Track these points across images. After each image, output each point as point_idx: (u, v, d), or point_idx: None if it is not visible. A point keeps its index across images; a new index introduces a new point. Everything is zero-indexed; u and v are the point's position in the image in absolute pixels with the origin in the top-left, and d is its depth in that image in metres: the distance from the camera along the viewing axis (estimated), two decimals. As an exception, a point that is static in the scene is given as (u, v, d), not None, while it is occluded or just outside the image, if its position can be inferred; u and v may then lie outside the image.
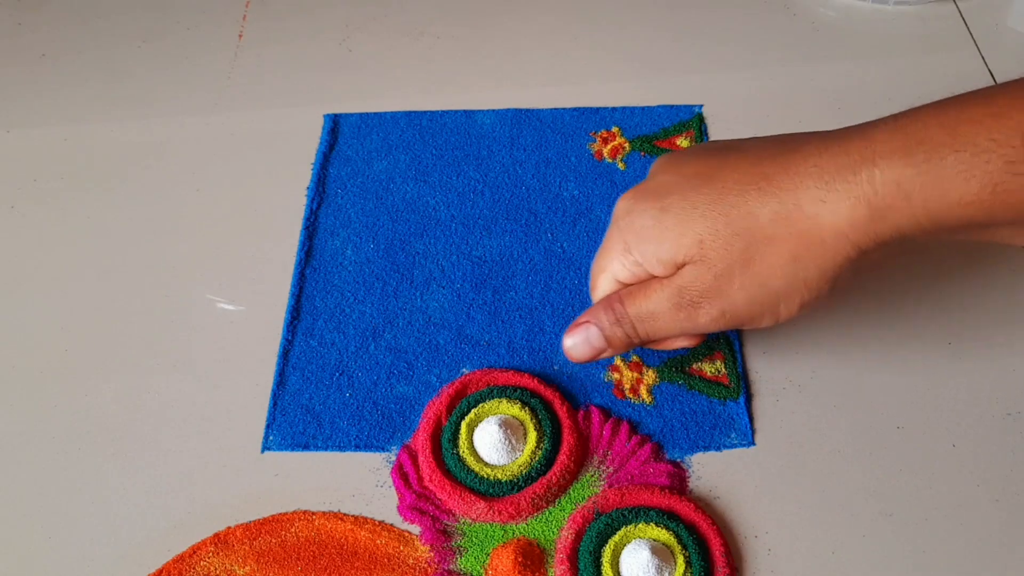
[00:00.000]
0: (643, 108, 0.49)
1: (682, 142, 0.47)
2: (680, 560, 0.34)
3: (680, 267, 0.33)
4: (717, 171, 0.33)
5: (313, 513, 0.36)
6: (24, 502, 0.37)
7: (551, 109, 0.49)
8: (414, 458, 0.37)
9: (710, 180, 0.33)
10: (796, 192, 0.31)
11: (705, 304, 0.33)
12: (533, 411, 0.38)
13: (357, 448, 0.38)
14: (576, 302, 0.42)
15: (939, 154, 0.29)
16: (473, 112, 0.50)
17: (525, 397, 0.38)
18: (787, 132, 0.34)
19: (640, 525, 0.34)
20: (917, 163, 0.29)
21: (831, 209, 0.30)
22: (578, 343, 0.36)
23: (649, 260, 0.34)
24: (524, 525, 0.35)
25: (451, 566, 0.35)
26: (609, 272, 0.36)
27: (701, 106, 0.48)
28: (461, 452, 0.37)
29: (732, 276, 0.32)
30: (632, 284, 0.35)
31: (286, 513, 0.36)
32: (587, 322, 0.36)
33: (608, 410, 0.38)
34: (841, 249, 0.31)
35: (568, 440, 0.37)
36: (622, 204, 0.35)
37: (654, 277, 0.35)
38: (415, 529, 0.36)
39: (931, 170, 0.29)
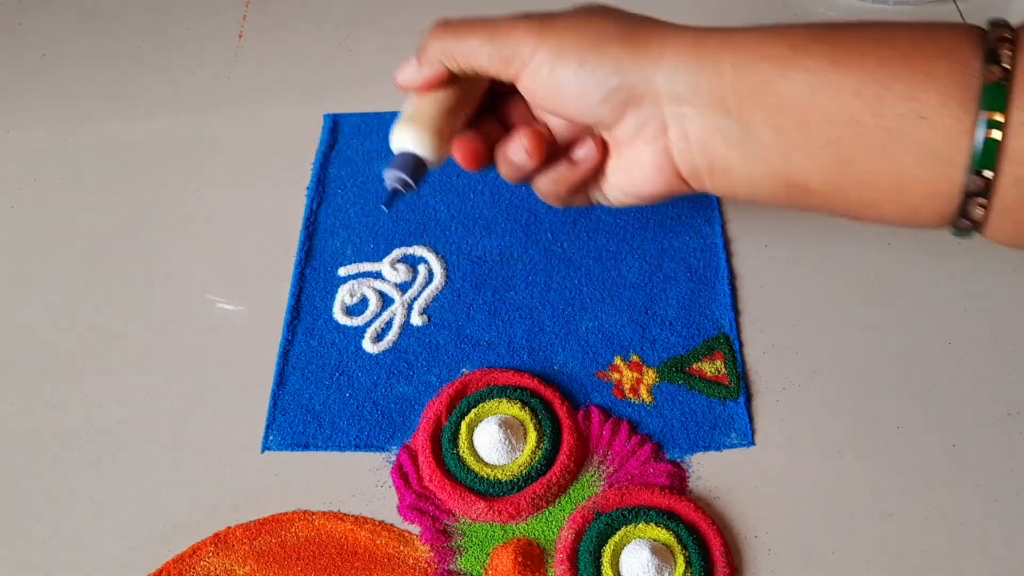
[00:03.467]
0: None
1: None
2: (680, 560, 0.34)
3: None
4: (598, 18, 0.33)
5: (313, 513, 0.36)
6: (24, 502, 0.37)
7: (551, 109, 0.49)
8: (414, 458, 0.37)
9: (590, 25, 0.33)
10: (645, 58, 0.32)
11: (529, 24, 0.32)
12: (533, 411, 0.38)
13: (357, 448, 0.38)
14: (576, 302, 0.42)
15: (754, 34, 0.31)
16: (473, 112, 0.50)
17: (525, 397, 0.38)
18: None
19: (640, 525, 0.34)
20: (735, 33, 0.32)
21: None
22: (401, 71, 0.35)
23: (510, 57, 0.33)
24: (524, 525, 0.36)
25: (451, 566, 0.35)
26: (459, 49, 0.34)
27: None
28: (461, 452, 0.37)
29: (566, 23, 0.32)
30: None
31: (286, 513, 0.36)
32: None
33: (608, 410, 0.38)
34: (642, 49, 0.32)
35: (568, 440, 0.37)
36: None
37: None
38: (415, 529, 0.36)
39: (747, 38, 0.31)
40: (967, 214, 0.28)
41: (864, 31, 0.29)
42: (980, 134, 0.26)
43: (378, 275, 0.44)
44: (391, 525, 0.36)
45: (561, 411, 0.38)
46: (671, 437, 0.38)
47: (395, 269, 0.44)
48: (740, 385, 0.39)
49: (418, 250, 0.44)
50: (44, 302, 0.44)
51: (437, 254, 0.44)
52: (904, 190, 0.29)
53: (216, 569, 0.35)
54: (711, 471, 0.37)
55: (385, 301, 0.43)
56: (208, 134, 0.50)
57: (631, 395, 0.39)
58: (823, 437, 0.37)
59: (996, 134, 0.26)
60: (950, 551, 0.34)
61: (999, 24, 0.28)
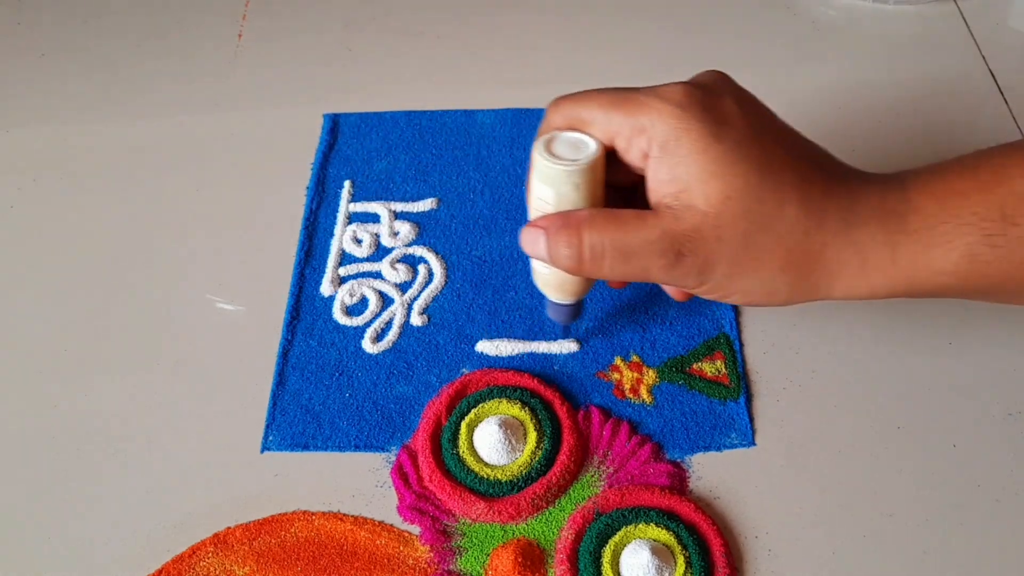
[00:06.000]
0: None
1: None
2: (680, 560, 0.34)
3: (682, 207, 0.31)
4: (778, 159, 0.31)
5: (313, 513, 0.36)
6: (24, 502, 0.37)
7: (551, 109, 0.49)
8: (414, 458, 0.37)
9: (768, 165, 0.31)
10: (823, 231, 0.31)
11: (689, 261, 0.31)
12: (533, 411, 0.38)
13: (357, 448, 0.38)
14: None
15: (928, 223, 0.30)
16: (473, 112, 0.50)
17: (525, 397, 0.38)
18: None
19: (640, 525, 0.34)
20: (909, 231, 0.30)
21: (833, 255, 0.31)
22: (526, 242, 0.33)
23: (664, 160, 0.30)
24: (524, 525, 0.35)
25: (451, 566, 0.34)
26: (584, 110, 0.32)
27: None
28: (461, 452, 0.37)
29: (729, 247, 0.31)
30: (594, 166, 0.32)
31: (286, 513, 0.36)
32: (542, 228, 0.32)
33: (608, 410, 0.38)
34: (815, 287, 0.32)
35: (568, 440, 0.37)
36: (670, 87, 0.31)
37: (627, 207, 0.32)
38: (415, 529, 0.36)
39: (921, 239, 0.30)
40: None
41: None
42: None
43: (378, 275, 0.44)
44: (391, 525, 0.36)
45: (561, 411, 0.38)
46: (671, 437, 0.38)
47: (395, 269, 0.44)
48: (740, 385, 0.39)
49: (418, 250, 0.44)
50: (44, 302, 0.44)
51: (437, 254, 0.44)
52: None
53: (215, 569, 0.35)
54: (711, 471, 0.37)
55: (385, 301, 0.43)
56: (208, 134, 0.50)
57: (631, 395, 0.39)
58: (823, 437, 0.37)
59: None
60: (950, 551, 0.34)
61: None
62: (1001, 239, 0.29)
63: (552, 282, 0.36)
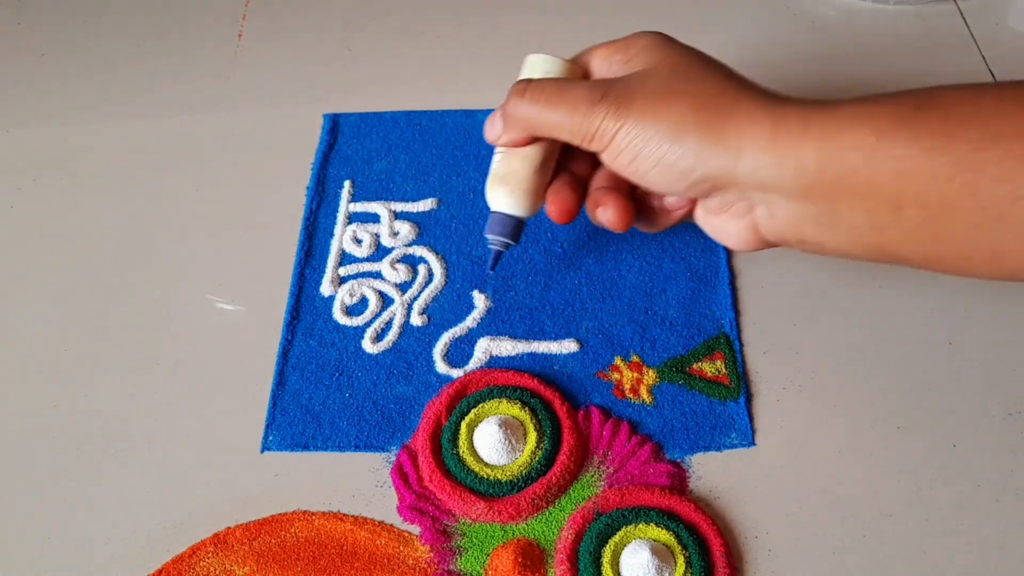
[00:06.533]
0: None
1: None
2: (680, 560, 0.34)
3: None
4: (721, 65, 0.34)
5: (313, 513, 0.36)
6: (24, 502, 0.37)
7: (551, 109, 0.49)
8: (414, 458, 0.37)
9: (709, 61, 0.34)
10: (740, 93, 0.32)
11: (609, 99, 0.33)
12: (533, 411, 0.38)
13: (357, 448, 0.38)
14: (576, 302, 0.42)
15: (842, 109, 0.30)
16: (473, 112, 0.50)
17: (525, 397, 0.38)
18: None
19: (640, 525, 0.34)
20: (823, 109, 0.31)
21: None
22: (487, 126, 0.37)
23: (623, 53, 0.34)
24: (524, 525, 0.35)
25: (451, 566, 0.34)
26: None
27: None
28: (461, 452, 0.37)
29: (648, 87, 0.32)
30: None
31: (286, 513, 0.36)
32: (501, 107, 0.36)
33: (608, 410, 0.38)
34: (723, 142, 0.32)
35: (568, 440, 0.37)
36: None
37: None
38: (415, 529, 0.36)
39: (833, 113, 0.30)
40: None
41: (951, 105, 0.29)
42: None
43: (378, 275, 0.44)
44: (391, 525, 0.36)
45: (561, 411, 0.38)
46: (671, 437, 0.38)
47: (395, 269, 0.44)
48: (740, 385, 0.39)
49: (418, 250, 0.44)
50: (44, 302, 0.44)
51: (437, 254, 0.44)
52: (1003, 259, 0.29)
53: (215, 569, 0.35)
54: (711, 471, 0.37)
55: (385, 301, 0.43)
56: (208, 134, 0.50)
57: (631, 395, 0.39)
58: (823, 437, 0.37)
59: None
60: (950, 551, 0.34)
61: None
62: (911, 121, 0.29)
63: (499, 172, 0.37)
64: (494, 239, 0.38)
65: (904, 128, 0.29)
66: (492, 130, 0.36)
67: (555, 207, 0.36)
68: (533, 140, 0.36)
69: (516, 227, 0.37)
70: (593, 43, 0.36)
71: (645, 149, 0.32)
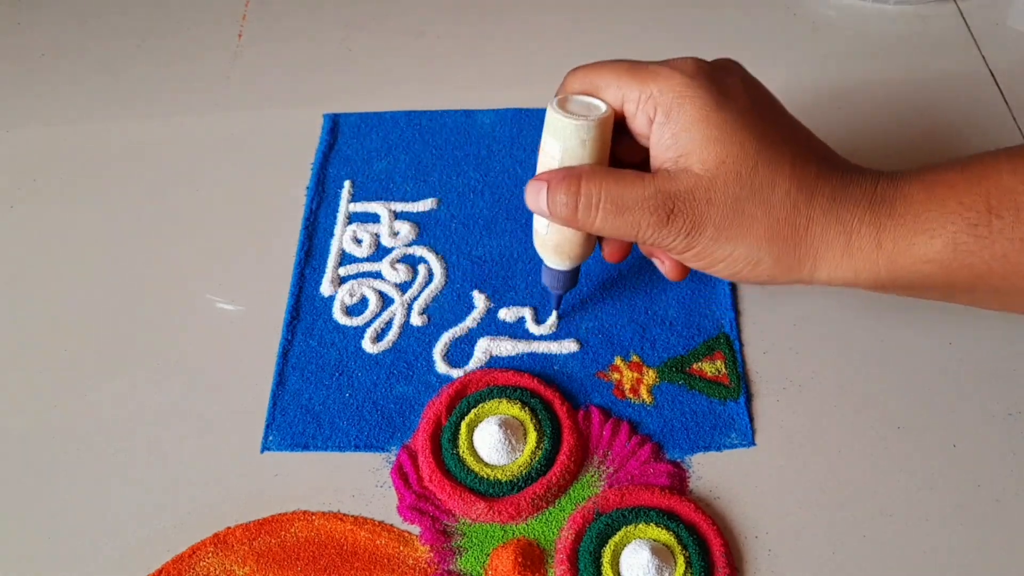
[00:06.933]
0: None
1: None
2: (680, 560, 0.34)
3: (679, 169, 0.32)
4: (777, 136, 0.32)
5: (313, 513, 0.36)
6: (24, 502, 0.37)
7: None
8: (414, 458, 0.37)
9: (766, 138, 0.32)
10: (811, 207, 0.32)
11: (679, 221, 0.32)
12: (533, 411, 0.38)
13: (357, 448, 0.38)
14: (576, 302, 0.42)
15: (914, 210, 0.31)
16: (473, 112, 0.50)
17: (525, 397, 0.38)
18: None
19: (640, 525, 0.34)
20: (895, 215, 0.31)
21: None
22: (529, 195, 0.34)
23: (667, 125, 0.32)
24: (524, 525, 0.35)
25: (451, 566, 0.34)
26: (598, 77, 0.33)
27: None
28: (461, 452, 0.37)
29: (719, 211, 0.32)
30: (594, 125, 0.33)
31: (286, 513, 0.36)
32: (544, 180, 0.34)
33: (608, 410, 0.38)
34: (799, 262, 0.32)
35: (568, 440, 0.37)
36: (681, 59, 0.33)
37: (630, 168, 0.33)
38: (415, 529, 0.36)
39: (906, 223, 0.31)
40: None
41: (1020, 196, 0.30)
42: None
43: (378, 275, 0.44)
44: (391, 525, 0.36)
45: (561, 411, 0.38)
46: (671, 437, 0.38)
47: (395, 269, 0.44)
48: (740, 385, 0.39)
49: (418, 250, 0.44)
50: (44, 302, 0.44)
51: (437, 254, 0.44)
52: None
53: (215, 569, 0.35)
54: (711, 471, 0.37)
55: (385, 301, 0.43)
56: (208, 134, 0.50)
57: (631, 395, 0.39)
58: (823, 437, 0.37)
59: None
60: (950, 551, 0.34)
61: None
62: (985, 229, 0.30)
63: (550, 242, 0.36)
64: (556, 289, 0.39)
65: (978, 239, 0.30)
66: (540, 210, 0.34)
67: (611, 254, 0.38)
68: None
69: (574, 275, 0.38)
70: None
71: (719, 264, 0.33)
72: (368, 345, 0.41)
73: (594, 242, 0.37)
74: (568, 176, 0.33)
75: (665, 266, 0.37)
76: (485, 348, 0.41)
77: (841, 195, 0.32)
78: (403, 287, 0.43)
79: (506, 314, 0.42)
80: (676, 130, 0.32)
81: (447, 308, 0.42)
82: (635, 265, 0.43)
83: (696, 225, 0.32)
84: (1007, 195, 0.30)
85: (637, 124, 0.33)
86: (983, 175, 0.30)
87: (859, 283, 0.32)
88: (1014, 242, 0.29)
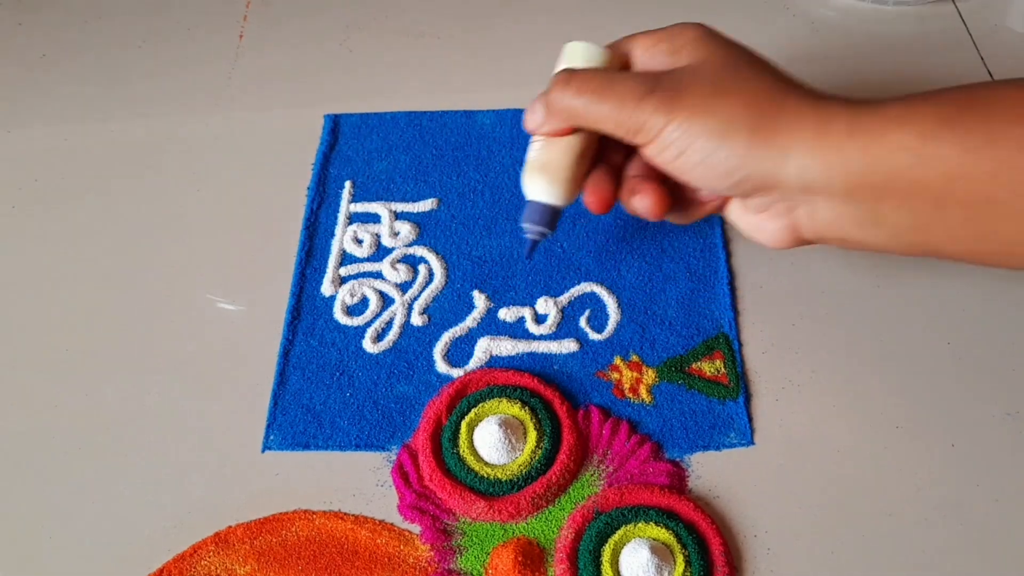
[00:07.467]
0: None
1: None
2: (680, 559, 0.34)
3: (670, 67, 0.34)
4: (767, 63, 0.34)
5: (313, 512, 0.36)
6: (24, 502, 0.37)
7: (551, 109, 0.49)
8: (414, 458, 0.37)
9: (755, 57, 0.34)
10: (788, 94, 0.33)
11: (659, 94, 0.33)
12: (533, 411, 0.38)
13: (357, 448, 0.38)
14: (576, 302, 0.42)
15: (888, 109, 0.31)
16: (473, 112, 0.50)
17: (525, 397, 0.38)
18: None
19: (640, 524, 0.35)
20: (870, 108, 0.31)
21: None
22: (528, 113, 0.36)
23: (669, 41, 0.34)
24: (524, 524, 0.36)
25: (451, 565, 0.35)
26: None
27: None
28: (461, 452, 0.37)
29: (699, 83, 0.32)
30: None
31: (286, 512, 0.36)
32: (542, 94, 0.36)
33: (608, 410, 0.38)
34: (771, 139, 0.32)
35: (568, 440, 0.37)
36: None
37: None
38: (415, 528, 0.36)
39: (879, 112, 0.31)
40: None
41: (994, 104, 0.29)
42: None
43: (378, 275, 0.44)
44: (391, 524, 0.36)
45: (561, 411, 0.38)
46: (671, 437, 0.38)
47: (395, 269, 0.44)
48: (740, 385, 0.39)
49: (418, 250, 0.44)
50: (44, 302, 0.44)
51: (437, 254, 0.44)
52: None
53: (217, 568, 0.35)
54: (711, 471, 0.37)
55: (385, 301, 0.43)
56: (208, 134, 0.50)
57: (631, 395, 0.39)
58: (823, 437, 0.37)
59: None
60: (950, 551, 0.34)
61: None
62: (957, 122, 0.29)
63: (537, 162, 0.36)
64: (531, 228, 0.37)
65: (948, 129, 0.29)
66: (533, 118, 0.36)
67: (594, 197, 0.36)
68: (574, 130, 0.35)
69: (554, 216, 0.37)
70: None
71: (692, 145, 0.32)
72: (369, 345, 0.41)
73: (581, 173, 0.36)
74: (563, 72, 0.35)
75: (645, 200, 0.36)
76: (485, 348, 0.41)
77: (818, 93, 0.33)
78: (403, 287, 0.43)
79: (506, 314, 0.42)
80: (676, 45, 0.34)
81: (447, 308, 0.42)
82: (635, 265, 0.43)
83: (675, 98, 0.32)
84: (978, 99, 0.30)
85: (644, 63, 0.35)
86: (956, 90, 0.31)
87: (830, 180, 0.31)
88: (984, 137, 0.29)
